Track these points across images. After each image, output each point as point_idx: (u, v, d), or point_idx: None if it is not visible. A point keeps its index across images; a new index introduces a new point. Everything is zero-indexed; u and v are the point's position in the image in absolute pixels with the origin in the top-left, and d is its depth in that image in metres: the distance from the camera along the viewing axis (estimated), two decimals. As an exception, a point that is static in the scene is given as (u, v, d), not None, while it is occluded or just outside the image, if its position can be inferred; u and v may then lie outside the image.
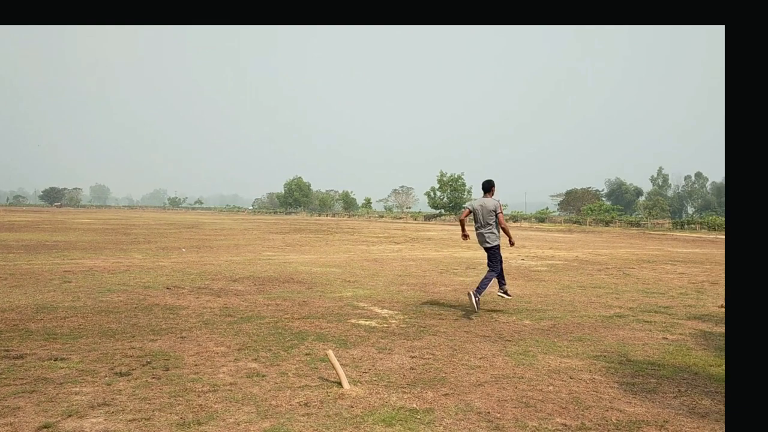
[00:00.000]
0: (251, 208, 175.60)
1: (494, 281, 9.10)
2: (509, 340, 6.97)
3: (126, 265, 14.40)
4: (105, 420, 4.16)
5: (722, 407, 4.71)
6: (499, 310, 9.00)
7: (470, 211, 9.27)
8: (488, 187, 9.17)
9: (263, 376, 5.28)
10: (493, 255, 9.05)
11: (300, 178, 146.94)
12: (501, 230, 9.04)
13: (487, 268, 9.12)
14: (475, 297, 8.53)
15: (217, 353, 6.06)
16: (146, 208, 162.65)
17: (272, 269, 14.28)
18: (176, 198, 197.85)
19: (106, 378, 5.13)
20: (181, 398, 4.63)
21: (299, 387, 4.97)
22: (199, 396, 4.69)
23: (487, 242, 9.05)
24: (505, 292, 9.17)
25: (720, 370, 5.81)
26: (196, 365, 5.59)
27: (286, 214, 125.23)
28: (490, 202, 9.02)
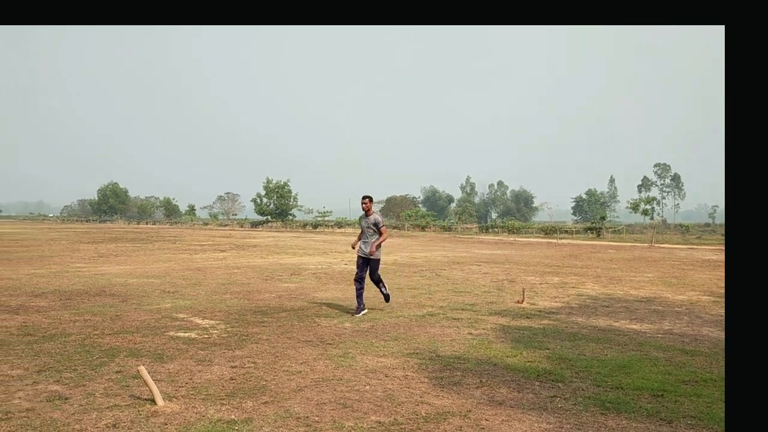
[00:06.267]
0: (51, 215, 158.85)
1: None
2: (330, 344, 7.17)
3: None
4: None
5: (517, 394, 5.30)
6: (322, 315, 9.20)
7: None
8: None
9: (66, 398, 4.90)
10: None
11: (116, 183, 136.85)
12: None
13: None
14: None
15: (13, 377, 5.50)
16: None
17: (82, 282, 13.19)
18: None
19: None
20: (-34, 431, 4.15)
21: (107, 407, 4.69)
22: (-12, 427, 4.25)
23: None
24: None
25: (515, 360, 6.50)
26: (-15, 393, 5.04)
27: (100, 222, 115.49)
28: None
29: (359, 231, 9.85)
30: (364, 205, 9.74)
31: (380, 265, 9.92)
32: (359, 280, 9.61)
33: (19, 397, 4.91)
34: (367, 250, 9.62)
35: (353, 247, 10.13)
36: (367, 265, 9.69)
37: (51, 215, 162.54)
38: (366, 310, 9.51)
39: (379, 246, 9.68)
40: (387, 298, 10.11)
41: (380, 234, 9.70)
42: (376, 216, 9.77)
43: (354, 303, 9.84)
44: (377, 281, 9.86)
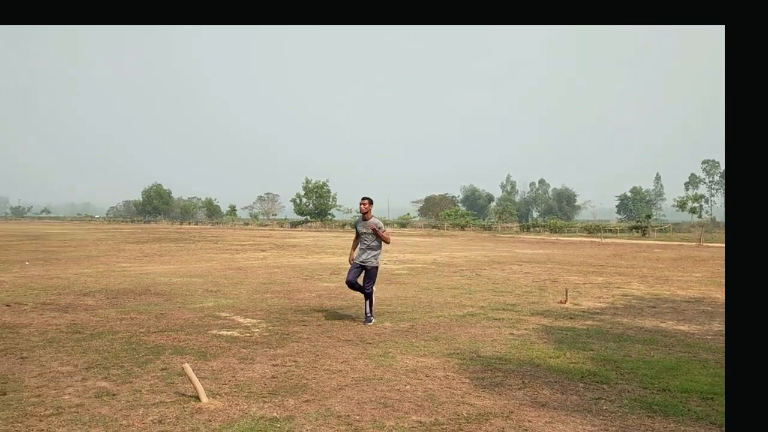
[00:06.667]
0: (97, 216, 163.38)
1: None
2: (370, 343, 7.18)
3: (-46, 282, 12.95)
4: (-73, 455, 3.77)
5: (560, 395, 5.20)
6: (362, 315, 9.21)
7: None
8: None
9: (114, 395, 5.02)
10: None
11: (159, 185, 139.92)
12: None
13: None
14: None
15: (63, 373, 5.67)
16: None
17: (127, 281, 13.53)
18: (20, 207, 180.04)
19: (-71, 409, 4.62)
20: (20, 424, 4.29)
21: (153, 404, 4.79)
22: (41, 420, 4.38)
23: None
24: None
25: (558, 361, 6.39)
26: (38, 387, 5.20)
27: (144, 222, 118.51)
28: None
29: (371, 236, 8.82)
30: (362, 207, 8.85)
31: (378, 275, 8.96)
32: (352, 285, 8.70)
33: (69, 393, 5.05)
34: (364, 257, 8.74)
35: (351, 262, 9.10)
36: (362, 272, 8.78)
37: (97, 216, 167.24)
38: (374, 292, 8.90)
39: (379, 252, 8.86)
40: (368, 320, 8.62)
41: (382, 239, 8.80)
42: (375, 220, 8.84)
43: (362, 310, 9.09)
44: (370, 294, 8.71)
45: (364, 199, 8.92)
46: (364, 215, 8.86)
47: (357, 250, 8.98)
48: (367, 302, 8.75)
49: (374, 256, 8.83)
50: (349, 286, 8.79)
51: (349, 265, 9.07)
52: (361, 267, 8.78)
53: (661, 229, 59.78)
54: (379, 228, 8.76)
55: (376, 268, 8.84)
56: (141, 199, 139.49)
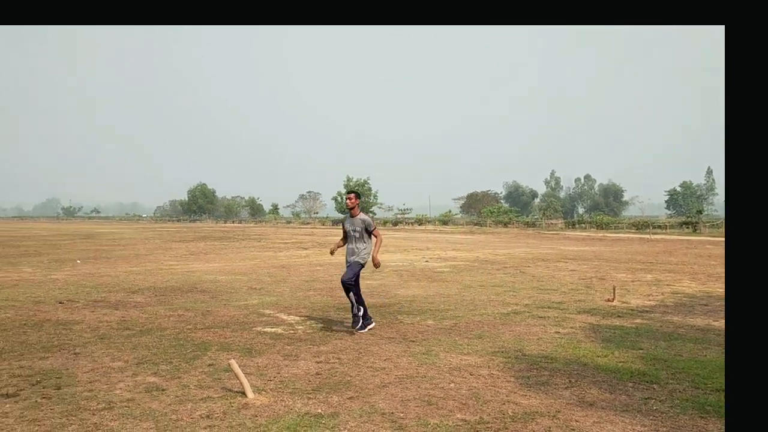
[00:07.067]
0: (145, 216, 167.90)
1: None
2: (413, 341, 7.15)
3: (15, 279, 13.48)
4: (-12, 446, 3.92)
5: (608, 395, 5.08)
6: (404, 312, 9.20)
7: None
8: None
9: (163, 389, 5.14)
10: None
11: (204, 184, 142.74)
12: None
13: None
14: None
15: (114, 368, 5.83)
16: (38, 219, 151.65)
17: (174, 279, 13.84)
18: (71, 207, 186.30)
19: (-10, 401, 4.81)
20: (74, 417, 4.43)
21: (201, 399, 4.88)
22: (93, 414, 4.51)
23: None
24: None
25: (606, 360, 6.24)
26: (90, 382, 5.35)
27: (190, 221, 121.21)
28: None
29: (358, 234, 7.92)
30: (348, 202, 7.99)
31: (361, 271, 7.94)
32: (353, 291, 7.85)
33: (120, 388, 5.19)
34: (354, 259, 7.83)
35: (332, 253, 8.56)
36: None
37: (145, 215, 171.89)
38: (374, 324, 7.95)
39: (368, 252, 7.89)
40: (356, 321, 7.81)
41: (374, 238, 7.94)
42: (364, 216, 7.93)
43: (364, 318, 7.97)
44: (350, 289, 7.76)
45: (350, 193, 8.11)
46: (351, 211, 8.03)
47: (346, 250, 8.11)
48: (350, 295, 7.80)
49: (363, 255, 7.90)
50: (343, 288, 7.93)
51: (330, 256, 8.47)
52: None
53: (713, 225, 57.90)
54: (368, 226, 7.89)
55: (362, 265, 7.90)
56: (186, 199, 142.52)
